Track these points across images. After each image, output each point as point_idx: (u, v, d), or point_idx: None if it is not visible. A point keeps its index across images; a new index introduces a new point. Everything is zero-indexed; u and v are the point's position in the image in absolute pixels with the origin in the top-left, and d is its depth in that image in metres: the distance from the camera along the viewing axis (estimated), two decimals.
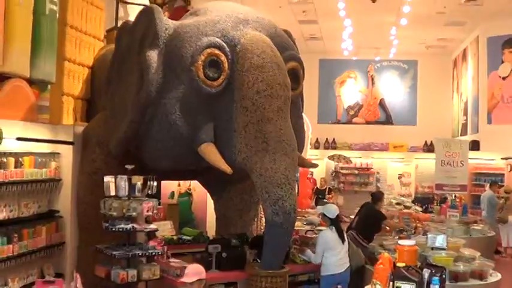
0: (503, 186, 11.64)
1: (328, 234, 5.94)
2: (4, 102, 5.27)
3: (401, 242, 3.57)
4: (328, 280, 5.79)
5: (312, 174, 13.84)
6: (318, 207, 6.34)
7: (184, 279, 4.44)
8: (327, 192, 13.74)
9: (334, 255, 5.84)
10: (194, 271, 4.61)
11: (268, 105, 5.31)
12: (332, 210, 6.00)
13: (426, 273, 3.28)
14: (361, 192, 15.41)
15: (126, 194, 5.11)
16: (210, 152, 5.40)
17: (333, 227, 5.95)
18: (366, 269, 6.50)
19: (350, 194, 15.47)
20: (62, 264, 5.88)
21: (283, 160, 5.26)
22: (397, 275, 3.24)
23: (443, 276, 3.29)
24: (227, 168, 5.32)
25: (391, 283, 3.28)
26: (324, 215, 6.06)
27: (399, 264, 3.30)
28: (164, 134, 5.50)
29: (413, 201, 12.74)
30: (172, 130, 5.45)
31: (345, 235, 6.08)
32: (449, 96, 17.70)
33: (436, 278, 3.25)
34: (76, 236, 5.99)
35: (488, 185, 12.00)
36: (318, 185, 13.92)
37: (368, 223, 7.50)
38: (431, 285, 3.25)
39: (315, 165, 7.16)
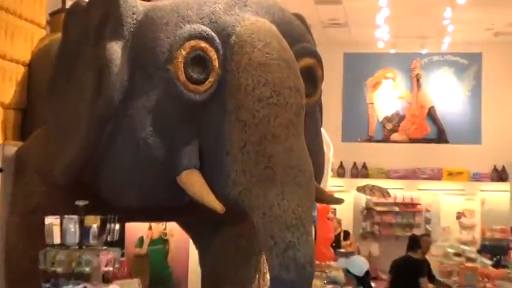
0: None
1: None
2: None
3: None
4: None
5: (334, 213, 13.84)
6: (340, 260, 6.36)
7: None
8: (342, 238, 13.65)
9: None
10: None
11: (274, 117, 5.35)
12: (359, 265, 5.99)
13: None
14: (404, 238, 15.32)
15: (77, 241, 5.13)
16: (194, 183, 5.43)
17: None
18: None
19: (389, 240, 15.47)
20: None
21: (294, 193, 5.28)
22: None
23: None
24: (218, 206, 5.33)
25: None
26: (347, 272, 6.05)
27: None
28: (130, 158, 5.52)
29: (479, 251, 12.73)
30: (141, 152, 5.47)
31: None
32: None
33: None
34: None
35: None
36: None
37: (406, 282, 7.53)
38: None
39: (340, 201, 7.18)
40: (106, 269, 5.17)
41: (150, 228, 8.56)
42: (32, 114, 6.81)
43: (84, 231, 5.17)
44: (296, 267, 5.13)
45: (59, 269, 5.07)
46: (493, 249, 13.18)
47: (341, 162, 17.03)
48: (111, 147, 5.58)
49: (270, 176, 5.27)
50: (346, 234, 14.11)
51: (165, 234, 8.59)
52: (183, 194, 5.47)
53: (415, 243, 8.55)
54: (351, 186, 16.31)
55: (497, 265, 11.39)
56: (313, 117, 6.19)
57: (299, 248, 5.15)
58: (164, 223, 8.47)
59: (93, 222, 5.20)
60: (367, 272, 5.98)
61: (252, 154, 5.32)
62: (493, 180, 16.70)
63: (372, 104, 18.55)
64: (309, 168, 5.52)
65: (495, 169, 17.02)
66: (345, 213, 14.99)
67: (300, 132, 5.55)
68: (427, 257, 9.30)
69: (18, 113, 6.78)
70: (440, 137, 18.16)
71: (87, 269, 5.09)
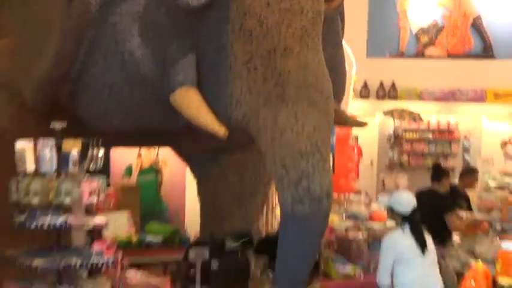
0: None
1: (399, 239, 5.95)
2: None
3: (507, 245, 3.61)
4: None
5: (356, 140, 13.86)
6: (381, 197, 6.37)
7: None
8: None
9: (410, 271, 5.84)
10: None
11: (286, 26, 5.35)
12: (404, 201, 5.99)
13: None
14: None
15: (54, 168, 5.17)
16: (191, 103, 5.46)
17: (407, 228, 5.96)
18: None
19: (419, 171, 15.47)
20: None
21: (309, 115, 5.32)
22: None
23: None
24: (219, 129, 5.39)
25: None
26: (391, 210, 6.07)
27: (502, 281, 3.35)
28: (115, 75, 5.55)
29: None
30: (127, 67, 5.50)
31: (429, 240, 6.05)
32: None
33: None
34: None
35: None
36: None
37: (429, 217, 7.59)
38: None
39: (363, 124, 7.20)
40: (89, 200, 5.21)
41: (140, 156, 8.57)
42: None
43: (63, 157, 5.16)
44: (311, 199, 5.22)
45: (35, 200, 5.11)
46: None
47: (365, 82, 16.91)
48: (90, 61, 5.59)
49: (281, 95, 5.32)
50: None
51: (157, 163, 8.60)
52: (178, 115, 5.53)
53: (441, 173, 8.56)
54: (377, 110, 16.26)
55: None
56: (332, 27, 6.18)
57: (314, 178, 5.22)
58: (156, 149, 8.48)
59: (72, 147, 5.18)
60: (414, 210, 5.95)
61: (259, 70, 5.36)
62: None
63: (405, 12, 18.36)
64: (327, 87, 5.54)
65: None
66: (369, 141, 15.00)
67: (317, 45, 5.54)
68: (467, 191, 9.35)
69: None
70: (486, 52, 17.95)
71: (67, 200, 5.13)
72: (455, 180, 9.72)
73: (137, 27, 5.45)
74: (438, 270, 6.02)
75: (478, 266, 3.56)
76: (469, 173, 9.51)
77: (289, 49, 5.35)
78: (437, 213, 7.90)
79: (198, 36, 5.50)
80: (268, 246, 5.95)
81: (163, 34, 5.46)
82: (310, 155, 5.25)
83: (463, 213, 8.47)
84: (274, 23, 5.33)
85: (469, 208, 8.94)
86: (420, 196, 7.71)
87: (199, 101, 5.45)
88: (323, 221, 5.48)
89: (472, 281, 3.43)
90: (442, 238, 7.58)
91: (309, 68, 5.40)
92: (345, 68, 6.65)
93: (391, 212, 6.07)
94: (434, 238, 6.63)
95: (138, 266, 6.32)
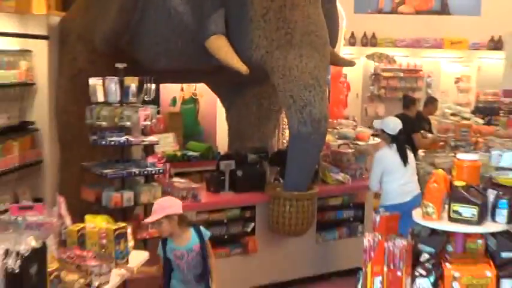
0: None
1: (388, 154, 5.82)
2: None
3: (460, 156, 3.53)
4: (390, 211, 5.78)
5: (345, 77, 13.71)
6: (375, 122, 6.24)
7: (148, 220, 4.13)
8: None
9: (395, 180, 5.75)
10: (160, 206, 4.08)
11: None
12: (392, 125, 5.88)
13: (491, 194, 3.25)
14: None
15: (118, 99, 5.12)
16: (221, 47, 5.40)
17: (394, 146, 5.82)
18: None
19: (393, 102, 15.28)
20: (39, 187, 6.03)
21: (311, 56, 5.25)
22: (454, 196, 3.22)
23: None
24: (242, 67, 5.32)
25: (446, 206, 3.28)
26: (382, 132, 5.97)
27: (457, 183, 3.27)
28: (163, 26, 5.47)
29: (473, 112, 12.59)
30: (173, 20, 5.42)
31: (410, 155, 5.97)
32: None
33: (503, 201, 3.22)
34: (56, 152, 6.08)
35: None
36: None
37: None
38: (497, 210, 3.23)
39: (352, 63, 7.10)
40: (145, 123, 5.18)
41: (182, 89, 8.54)
42: None
43: (124, 90, 5.11)
44: (312, 121, 5.21)
45: (104, 123, 5.10)
46: (485, 110, 13.03)
47: (352, 32, 16.63)
48: (144, 16, 5.52)
49: (289, 41, 5.27)
50: None
51: (195, 95, 8.56)
52: (211, 57, 5.46)
53: (409, 101, 8.44)
54: (361, 54, 16.04)
55: (488, 124, 11.32)
56: None
57: (315, 105, 5.21)
58: (194, 85, 8.41)
59: (132, 82, 5.14)
60: (400, 131, 5.85)
61: (273, 21, 5.29)
62: (489, 49, 16.29)
63: None
64: (325, 34, 5.48)
65: (492, 39, 16.58)
66: (355, 78, 14.84)
67: (317, 1, 5.47)
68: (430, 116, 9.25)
69: None
70: (443, 9, 17.60)
71: (128, 123, 5.11)
72: (421, 108, 9.60)
73: None
74: (417, 178, 5.98)
75: (439, 171, 3.46)
76: (431, 102, 9.37)
77: (296, 4, 5.28)
78: (407, 133, 7.78)
79: None
80: (280, 158, 5.92)
81: None
82: (312, 88, 5.21)
83: (427, 134, 8.41)
84: None
85: (430, 130, 8.84)
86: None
87: (227, 46, 5.40)
88: (322, 138, 5.48)
89: (435, 183, 3.34)
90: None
91: (311, 19, 5.33)
92: (337, 20, 6.56)
93: (382, 133, 5.96)
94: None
95: (181, 174, 6.33)
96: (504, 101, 11.76)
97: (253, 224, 5.71)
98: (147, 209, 5.59)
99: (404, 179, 5.78)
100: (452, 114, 11.49)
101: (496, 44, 16.07)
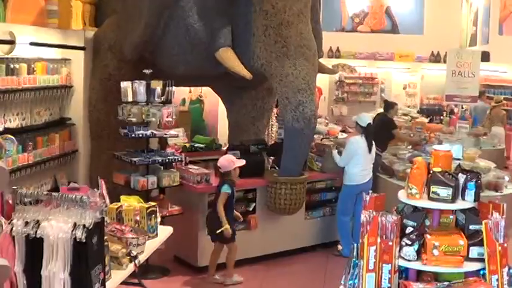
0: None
1: (359, 141, 5.90)
2: (14, 6, 5.09)
3: (436, 147, 3.53)
4: (351, 190, 5.84)
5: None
6: (353, 117, 6.27)
7: (239, 164, 4.99)
8: None
9: (359, 164, 5.82)
10: (230, 159, 5.05)
11: (289, 8, 5.21)
12: (365, 119, 5.94)
13: (462, 178, 3.27)
14: (365, 103, 15.32)
15: (145, 99, 5.04)
16: (229, 57, 5.34)
17: (364, 136, 5.88)
18: (378, 177, 6.52)
19: (354, 104, 15.36)
20: (74, 172, 5.92)
21: (304, 65, 5.22)
22: (433, 179, 3.23)
23: (479, 181, 3.28)
24: (247, 74, 5.28)
25: (425, 187, 3.28)
26: (356, 124, 6.01)
27: (435, 169, 3.28)
28: (181, 39, 5.40)
29: (418, 112, 12.72)
30: (189, 34, 5.36)
31: (374, 147, 6.01)
32: (459, 5, 17.17)
33: (471, 184, 3.25)
34: (88, 143, 5.98)
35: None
36: None
37: (381, 131, 7.49)
38: (467, 191, 3.25)
39: (335, 71, 7.08)
40: (167, 119, 5.14)
41: (190, 91, 8.47)
42: (102, 7, 6.41)
43: (150, 92, 5.06)
44: (304, 119, 5.18)
45: (133, 119, 5.04)
46: (428, 111, 13.17)
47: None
48: (166, 30, 5.45)
49: (285, 52, 5.22)
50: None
51: (201, 96, 8.50)
52: (219, 65, 5.40)
53: (389, 106, 8.39)
54: (328, 65, 15.81)
55: (430, 122, 11.43)
56: (315, 8, 6.04)
57: (307, 106, 5.18)
58: (200, 88, 8.33)
59: (157, 85, 5.08)
60: (369, 124, 5.89)
61: (272, 36, 5.24)
62: (431, 61, 16.44)
63: (344, 2, 17.95)
64: (314, 47, 5.45)
65: (432, 53, 16.75)
66: (324, 84, 14.86)
67: (308, 20, 5.44)
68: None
69: (92, 6, 6.40)
70: (394, 29, 17.70)
71: (153, 119, 5.06)
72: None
73: (196, 9, 5.31)
74: (372, 166, 6.03)
75: (419, 159, 3.46)
76: (391, 107, 9.28)
77: (290, 23, 5.23)
78: (387, 129, 7.74)
79: (232, 15, 5.36)
80: (276, 149, 5.87)
81: (211, 13, 5.31)
82: (304, 91, 5.18)
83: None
84: (281, 5, 5.20)
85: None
86: (378, 117, 7.70)
87: (234, 56, 5.35)
88: (312, 132, 5.49)
89: (417, 169, 3.34)
90: (385, 145, 7.47)
91: (303, 35, 5.29)
92: (321, 36, 6.54)
93: (357, 125, 6.00)
94: (380, 145, 6.59)
95: (190, 163, 6.22)
96: (447, 103, 11.85)
97: (254, 204, 5.64)
98: (165, 191, 5.54)
99: (364, 165, 5.87)
100: (404, 114, 11.59)
101: (436, 58, 16.25)
